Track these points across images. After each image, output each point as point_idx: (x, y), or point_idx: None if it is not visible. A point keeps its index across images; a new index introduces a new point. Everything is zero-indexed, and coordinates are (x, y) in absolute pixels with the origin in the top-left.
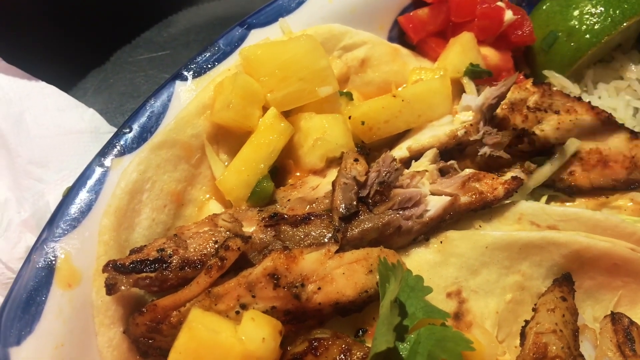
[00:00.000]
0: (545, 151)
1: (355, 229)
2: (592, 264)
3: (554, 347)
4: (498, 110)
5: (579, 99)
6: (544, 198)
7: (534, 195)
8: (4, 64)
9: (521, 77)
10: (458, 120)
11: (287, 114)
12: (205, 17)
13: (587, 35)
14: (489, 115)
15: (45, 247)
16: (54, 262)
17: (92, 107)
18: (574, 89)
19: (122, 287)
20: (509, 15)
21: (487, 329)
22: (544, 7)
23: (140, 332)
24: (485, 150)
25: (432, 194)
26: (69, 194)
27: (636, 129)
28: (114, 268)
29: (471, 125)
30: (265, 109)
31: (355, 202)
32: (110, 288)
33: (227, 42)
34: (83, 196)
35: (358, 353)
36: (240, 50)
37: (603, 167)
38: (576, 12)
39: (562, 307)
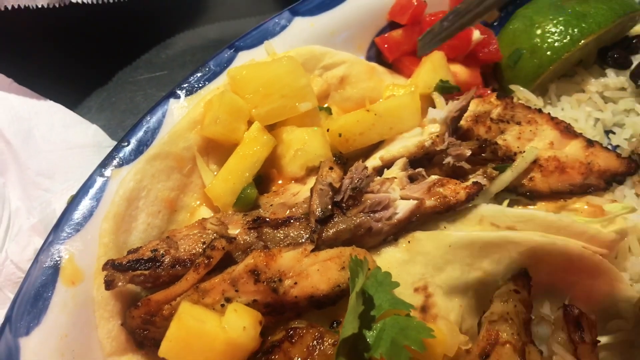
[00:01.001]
0: (508, 159)
1: (330, 230)
2: (548, 260)
3: (505, 334)
4: (463, 122)
5: (540, 110)
6: (506, 202)
7: (497, 199)
8: (15, 85)
9: (488, 91)
10: (426, 132)
11: (270, 128)
12: (200, 40)
13: (549, 52)
14: (453, 127)
15: (51, 249)
16: (59, 262)
17: (96, 124)
18: (537, 102)
19: (120, 284)
20: (476, 35)
21: (450, 321)
22: (511, 27)
23: (136, 324)
24: (449, 160)
25: (402, 198)
26: (73, 201)
27: (596, 138)
28: (112, 266)
29: (437, 136)
30: (250, 123)
31: (330, 206)
32: (109, 284)
33: (217, 63)
34: (86, 203)
35: (329, 340)
36: (228, 71)
37: (561, 173)
38: (539, 31)
39: (514, 299)
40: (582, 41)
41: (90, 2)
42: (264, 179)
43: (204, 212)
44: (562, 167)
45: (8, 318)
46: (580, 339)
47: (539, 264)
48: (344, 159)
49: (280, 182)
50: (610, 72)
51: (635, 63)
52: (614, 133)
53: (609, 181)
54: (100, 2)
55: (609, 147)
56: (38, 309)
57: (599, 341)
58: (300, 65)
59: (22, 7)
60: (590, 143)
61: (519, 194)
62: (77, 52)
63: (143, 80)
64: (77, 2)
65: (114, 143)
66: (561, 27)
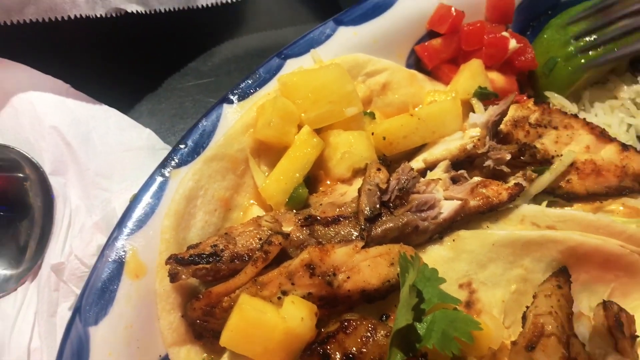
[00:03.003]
0: (546, 162)
1: (378, 228)
2: (587, 259)
3: (550, 327)
4: (503, 127)
5: (575, 116)
6: (544, 203)
7: (536, 200)
8: (73, 90)
9: (524, 97)
10: (467, 135)
11: (318, 131)
12: (243, 49)
13: (583, 60)
14: (493, 131)
15: (116, 244)
16: (123, 257)
17: (147, 127)
18: (572, 108)
19: (183, 277)
20: (513, 43)
21: (494, 315)
22: (545, 36)
23: (197, 316)
24: (490, 162)
25: (445, 198)
26: (135, 200)
27: (629, 143)
28: (176, 261)
29: (479, 140)
30: (300, 127)
31: (378, 206)
32: (173, 277)
33: (267, 70)
34: (147, 201)
35: (382, 331)
36: (278, 77)
37: (597, 176)
38: (573, 40)
39: (557, 294)
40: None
41: (143, 12)
42: (312, 180)
43: (256, 210)
44: (598, 170)
45: (77, 308)
46: (621, 333)
47: (578, 262)
48: (387, 162)
49: (327, 183)
50: None
51: None
52: None
53: None
54: (151, 12)
55: None
56: (105, 300)
57: (638, 336)
58: (346, 72)
59: (83, 16)
60: (625, 147)
61: (557, 195)
62: (129, 60)
63: (191, 86)
64: (132, 12)
65: (166, 146)
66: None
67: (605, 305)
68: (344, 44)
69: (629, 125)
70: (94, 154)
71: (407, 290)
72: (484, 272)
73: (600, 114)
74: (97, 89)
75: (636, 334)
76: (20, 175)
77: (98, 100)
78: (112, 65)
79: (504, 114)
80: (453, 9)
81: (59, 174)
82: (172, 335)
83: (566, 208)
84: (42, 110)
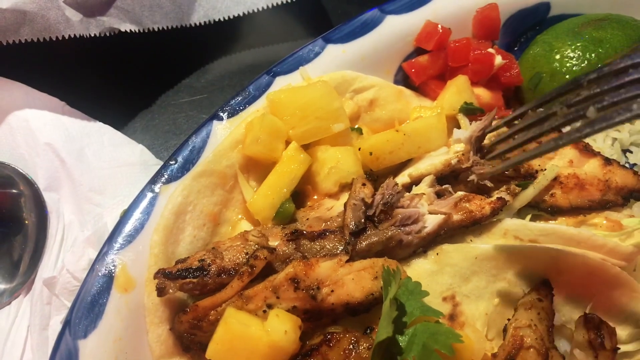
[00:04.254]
0: (530, 177)
1: (363, 242)
2: (569, 272)
3: (529, 339)
4: (486, 142)
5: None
6: (529, 217)
7: (520, 214)
8: (68, 108)
9: (510, 112)
10: (452, 150)
11: (306, 147)
12: (237, 65)
13: (567, 76)
14: (477, 146)
15: (106, 258)
16: (113, 271)
17: (141, 144)
18: None
19: (170, 290)
20: (498, 60)
21: (477, 328)
22: (531, 52)
23: (184, 329)
24: (473, 177)
25: (430, 213)
26: (125, 215)
27: (614, 157)
28: (164, 275)
29: (463, 155)
30: (287, 143)
31: (363, 220)
32: (161, 291)
33: (256, 88)
34: (137, 216)
35: (365, 344)
36: (267, 95)
37: (580, 190)
38: (558, 56)
39: (537, 307)
40: (599, 65)
41: (136, 31)
42: (300, 194)
43: (245, 225)
44: (581, 184)
45: (68, 322)
46: (601, 345)
47: (561, 275)
48: (374, 176)
49: (315, 197)
50: None
51: None
52: (631, 152)
53: (627, 197)
54: (145, 31)
55: (627, 165)
56: (94, 313)
57: (619, 348)
58: (333, 89)
59: (77, 36)
60: (608, 161)
61: (541, 209)
62: (123, 78)
63: (184, 103)
64: (125, 31)
65: (159, 161)
66: (579, 52)
67: (587, 317)
68: (332, 62)
69: (614, 139)
70: (88, 170)
71: (388, 303)
72: (468, 285)
73: None
74: (93, 106)
75: (617, 346)
76: (15, 191)
77: (93, 117)
78: (108, 83)
79: (486, 129)
80: (440, 26)
81: (53, 189)
82: (160, 348)
83: (550, 222)
84: (37, 128)
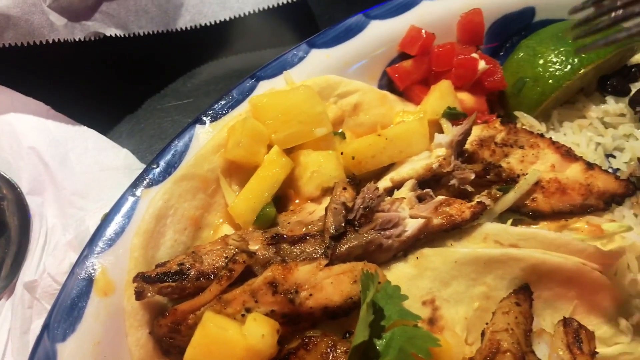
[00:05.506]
0: (512, 181)
1: (343, 246)
2: (549, 276)
3: (505, 343)
4: (469, 146)
5: (542, 135)
6: (510, 221)
7: (502, 218)
8: (52, 112)
9: (493, 117)
10: (434, 155)
11: (288, 151)
12: (223, 70)
13: (551, 81)
14: (458, 150)
15: (86, 262)
16: (93, 275)
17: (126, 148)
18: (541, 127)
19: (149, 294)
20: (482, 64)
21: (456, 332)
22: (515, 57)
23: (163, 333)
24: (454, 182)
25: (411, 217)
26: (106, 219)
27: (597, 162)
28: (142, 279)
29: (444, 159)
30: (269, 147)
31: (343, 224)
32: (139, 295)
33: (240, 92)
34: (118, 220)
35: (342, 348)
36: (249, 99)
37: (562, 194)
38: (541, 61)
39: (515, 311)
40: (582, 70)
41: (121, 36)
42: (282, 198)
43: (226, 229)
44: (563, 189)
45: (46, 325)
46: (579, 350)
47: (541, 279)
48: (356, 181)
49: (297, 201)
50: (610, 99)
51: (633, 90)
52: (614, 157)
53: (608, 202)
54: (130, 35)
55: (610, 170)
56: (73, 317)
57: (597, 352)
58: (316, 94)
59: (62, 40)
60: (590, 166)
61: (523, 213)
62: (108, 82)
63: (170, 107)
64: (110, 36)
65: (143, 166)
66: (562, 57)
67: (565, 322)
68: (316, 66)
69: (597, 144)
70: (71, 174)
71: (365, 307)
72: (447, 289)
73: (569, 133)
74: (78, 110)
75: (596, 350)
76: None
77: (78, 121)
78: (93, 87)
79: (467, 133)
80: (423, 31)
81: (36, 193)
82: (139, 351)
83: (532, 226)
84: (21, 131)
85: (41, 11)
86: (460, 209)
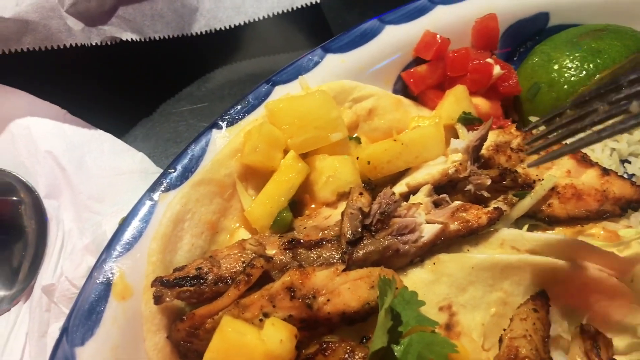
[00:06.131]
0: (528, 187)
1: (359, 251)
2: (566, 282)
3: (524, 350)
4: (485, 152)
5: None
6: (526, 226)
7: (518, 224)
8: (69, 116)
9: (508, 123)
10: (450, 160)
11: (304, 156)
12: (237, 74)
13: (565, 86)
14: (474, 156)
15: (104, 266)
16: (111, 279)
17: (142, 151)
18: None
19: (167, 299)
20: (497, 70)
21: (473, 338)
22: (530, 62)
23: (181, 337)
24: (470, 187)
25: (427, 222)
26: (124, 223)
27: (612, 167)
28: (161, 283)
29: (460, 164)
30: (285, 152)
31: (360, 229)
32: (158, 299)
33: (255, 97)
34: (135, 224)
35: (360, 353)
36: (265, 104)
37: (577, 200)
38: (556, 67)
39: (533, 317)
40: (597, 76)
41: (137, 40)
42: (298, 203)
43: (243, 233)
44: (578, 194)
45: (65, 329)
46: (597, 357)
47: (558, 285)
48: (372, 185)
49: (313, 206)
50: None
51: None
52: (629, 162)
53: (624, 208)
54: (146, 39)
55: (625, 175)
56: (92, 321)
57: (615, 359)
58: (332, 99)
59: (79, 45)
60: (605, 171)
61: (538, 219)
62: (124, 86)
63: (185, 111)
64: (126, 40)
65: (159, 169)
66: (577, 63)
67: (583, 328)
68: (331, 71)
69: (613, 150)
70: (87, 178)
71: (383, 313)
72: (464, 295)
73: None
74: (94, 114)
75: (614, 357)
76: (15, 198)
77: (94, 125)
78: (109, 91)
79: (483, 138)
80: (438, 36)
81: (53, 197)
82: (157, 356)
83: (548, 232)
84: (38, 136)
85: (59, 16)
86: (477, 215)
